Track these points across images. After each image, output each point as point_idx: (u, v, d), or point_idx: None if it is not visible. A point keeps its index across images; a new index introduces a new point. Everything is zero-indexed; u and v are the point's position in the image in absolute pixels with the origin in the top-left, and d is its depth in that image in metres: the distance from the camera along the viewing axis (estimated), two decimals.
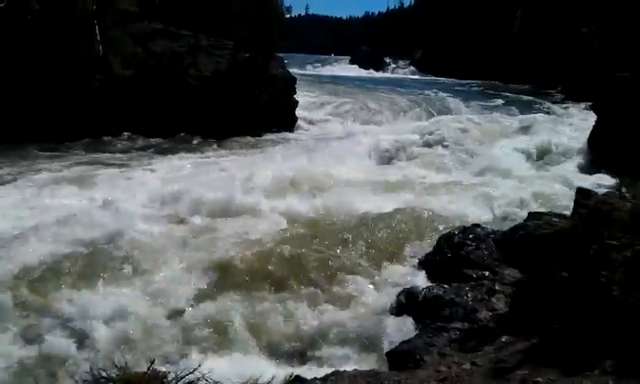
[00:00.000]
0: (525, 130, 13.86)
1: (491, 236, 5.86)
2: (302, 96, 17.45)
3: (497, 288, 4.88)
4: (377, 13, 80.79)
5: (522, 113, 17.31)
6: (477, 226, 6.23)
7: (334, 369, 3.95)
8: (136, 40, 14.34)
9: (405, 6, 68.11)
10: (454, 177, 9.83)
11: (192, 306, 5.07)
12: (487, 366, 3.24)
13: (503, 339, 3.67)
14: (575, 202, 5.25)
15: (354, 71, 44.91)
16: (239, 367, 4.05)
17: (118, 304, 4.93)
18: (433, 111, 17.71)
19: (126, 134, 13.22)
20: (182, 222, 6.98)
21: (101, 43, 13.53)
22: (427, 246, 6.20)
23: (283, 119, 15.69)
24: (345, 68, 48.41)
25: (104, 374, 2.36)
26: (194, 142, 13.47)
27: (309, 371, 4.06)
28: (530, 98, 22.91)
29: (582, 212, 4.39)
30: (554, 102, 21.24)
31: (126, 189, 8.34)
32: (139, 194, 7.86)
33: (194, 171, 9.99)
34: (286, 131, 15.40)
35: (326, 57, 59.89)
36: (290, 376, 3.44)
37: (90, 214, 6.66)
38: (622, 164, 8.80)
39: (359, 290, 5.42)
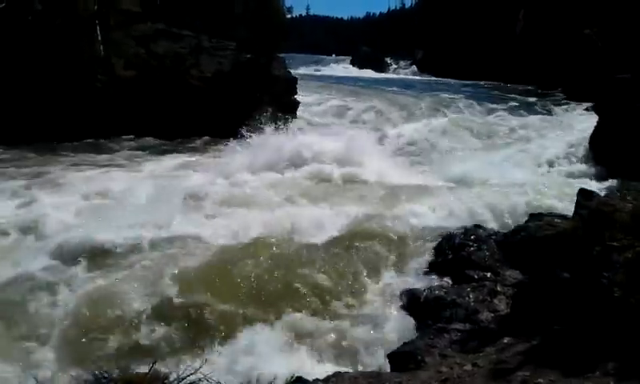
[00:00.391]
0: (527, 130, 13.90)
1: (492, 237, 5.88)
2: (304, 97, 17.46)
3: (498, 289, 4.89)
4: (378, 13, 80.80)
5: (528, 114, 17.28)
6: (478, 226, 6.24)
7: (335, 370, 3.96)
8: (138, 41, 14.36)
9: (406, 6, 68.00)
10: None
11: None
12: (488, 367, 3.24)
13: (504, 340, 3.66)
14: (576, 203, 5.26)
15: (355, 72, 44.90)
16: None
17: None
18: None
19: (126, 135, 13.18)
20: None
21: (103, 44, 13.54)
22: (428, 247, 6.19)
23: (285, 120, 15.68)
24: (345, 69, 48.42)
25: (106, 375, 2.37)
26: (195, 143, 13.43)
27: (310, 372, 4.06)
28: (533, 98, 22.89)
29: (583, 213, 4.39)
30: (556, 103, 21.22)
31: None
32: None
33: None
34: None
35: (327, 57, 59.94)
36: (292, 377, 3.45)
37: None
38: (624, 165, 8.79)
39: (360, 290, 5.42)
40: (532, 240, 5.31)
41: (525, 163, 10.87)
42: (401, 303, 5.10)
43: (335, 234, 6.56)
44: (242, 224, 6.78)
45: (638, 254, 3.16)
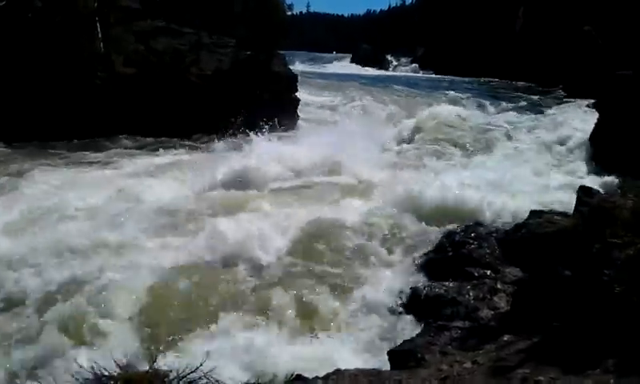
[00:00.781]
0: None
1: (493, 234, 5.86)
2: (304, 94, 17.45)
3: (498, 286, 4.88)
4: (378, 10, 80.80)
5: (531, 112, 17.28)
6: (479, 224, 6.23)
7: (335, 367, 3.95)
8: (138, 38, 14.34)
9: (406, 3, 68.05)
10: None
11: None
12: (488, 365, 3.23)
13: (505, 338, 3.66)
14: (577, 199, 5.24)
15: (355, 69, 44.86)
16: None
17: None
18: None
19: (122, 134, 13.00)
20: None
21: (103, 41, 13.53)
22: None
23: (285, 117, 15.66)
24: (345, 66, 48.42)
25: (106, 373, 2.36)
26: (191, 140, 13.32)
27: (310, 369, 4.05)
28: (535, 96, 22.86)
29: (583, 210, 4.38)
30: (557, 99, 21.19)
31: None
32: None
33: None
34: (287, 130, 15.36)
35: (328, 55, 59.90)
36: (291, 375, 3.44)
37: None
38: (625, 162, 8.77)
39: (361, 288, 5.42)
40: (532, 237, 5.30)
41: (525, 161, 10.87)
42: (401, 301, 5.09)
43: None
44: None
45: (638, 251, 3.15)
